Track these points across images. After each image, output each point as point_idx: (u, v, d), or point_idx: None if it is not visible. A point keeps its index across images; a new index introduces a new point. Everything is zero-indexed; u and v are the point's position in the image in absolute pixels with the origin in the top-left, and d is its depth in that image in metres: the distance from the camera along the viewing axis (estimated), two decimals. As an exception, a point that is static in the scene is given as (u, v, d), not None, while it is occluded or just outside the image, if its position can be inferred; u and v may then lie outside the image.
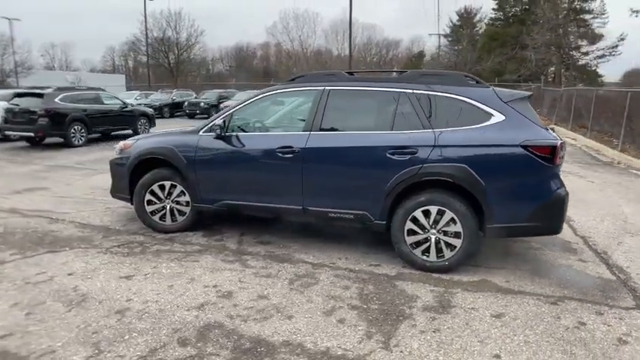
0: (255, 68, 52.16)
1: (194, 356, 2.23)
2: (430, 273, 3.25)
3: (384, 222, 3.33)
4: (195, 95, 22.38)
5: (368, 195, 3.34)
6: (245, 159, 3.69)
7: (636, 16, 17.05)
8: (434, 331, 2.48)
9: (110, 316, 2.60)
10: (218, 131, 3.72)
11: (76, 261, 3.42)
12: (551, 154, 2.96)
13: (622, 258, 3.57)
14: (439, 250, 3.22)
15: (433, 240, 3.22)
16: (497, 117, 3.09)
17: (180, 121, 18.52)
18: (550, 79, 30.05)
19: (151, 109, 12.83)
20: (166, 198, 4.06)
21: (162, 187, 4.04)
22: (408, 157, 3.18)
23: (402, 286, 3.05)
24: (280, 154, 3.52)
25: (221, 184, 3.80)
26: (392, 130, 3.30)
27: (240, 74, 45.47)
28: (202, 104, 19.59)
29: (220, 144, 3.75)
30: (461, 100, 3.20)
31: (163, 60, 44.93)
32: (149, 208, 4.08)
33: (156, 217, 4.10)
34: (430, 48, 50.73)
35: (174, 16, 44.48)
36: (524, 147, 2.98)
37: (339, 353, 2.27)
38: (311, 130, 3.50)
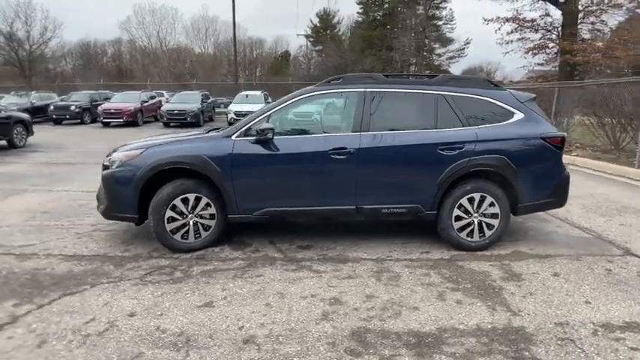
0: (106, 67, 46.00)
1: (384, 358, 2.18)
2: (475, 252, 3.68)
3: (435, 212, 3.64)
4: (59, 98, 18.70)
5: (421, 188, 3.60)
6: (293, 162, 3.55)
7: (487, 24, 20.98)
8: (531, 294, 2.91)
9: (245, 349, 2.29)
10: (257, 135, 3.47)
11: (118, 299, 2.81)
12: (561, 143, 3.71)
13: (585, 223, 4.62)
14: (481, 231, 3.69)
15: (476, 223, 3.67)
16: (518, 115, 3.70)
17: (49, 129, 15.50)
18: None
19: (27, 115, 10.35)
20: (190, 212, 3.58)
21: (184, 201, 3.54)
22: (457, 151, 3.55)
23: (466, 266, 3.41)
24: (334, 156, 3.50)
25: (263, 191, 3.57)
26: (439, 128, 3.62)
27: (90, 73, 39.63)
28: (74, 108, 16.55)
29: (262, 148, 3.51)
30: (488, 100, 3.72)
31: (10, 57, 36.06)
32: (170, 227, 3.54)
33: (177, 236, 3.59)
34: (294, 48, 52.74)
35: (23, 6, 35.97)
36: (543, 138, 3.65)
37: (489, 327, 2.50)
38: (361, 131, 3.57)
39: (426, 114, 3.70)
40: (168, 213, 3.53)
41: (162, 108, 17.14)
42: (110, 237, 4.02)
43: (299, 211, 3.65)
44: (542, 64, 22.63)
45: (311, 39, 47.90)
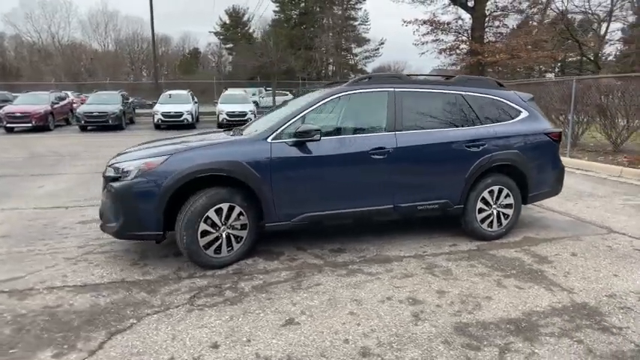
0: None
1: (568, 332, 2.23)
2: (494, 240, 3.96)
3: (462, 206, 3.83)
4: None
5: (451, 184, 3.77)
6: (333, 164, 3.45)
7: (406, 25, 22.36)
8: (568, 273, 3.28)
9: None
10: (299, 137, 3.29)
11: (183, 330, 2.48)
12: (559, 137, 4.17)
13: (559, 208, 5.22)
14: (498, 221, 3.99)
15: (495, 214, 3.96)
16: (524, 113, 4.08)
17: None
18: (330, 76, 35.60)
19: None
20: (223, 224, 3.26)
21: (218, 212, 3.22)
22: (480, 148, 3.79)
23: (497, 254, 3.68)
24: (373, 156, 3.49)
25: (303, 196, 3.41)
26: (461, 126, 3.81)
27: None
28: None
29: (300, 151, 3.34)
30: (500, 100, 4.04)
31: None
32: (203, 241, 3.19)
33: (210, 251, 3.25)
34: (202, 45, 50.66)
35: None
36: (546, 134, 4.08)
37: (561, 306, 2.76)
38: (395, 130, 3.60)
39: (449, 113, 3.87)
40: (202, 226, 3.17)
41: (78, 110, 15.11)
42: (113, 259, 3.48)
43: (338, 214, 3.55)
44: (454, 64, 25.11)
45: (221, 36, 46.51)
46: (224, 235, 3.29)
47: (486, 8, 21.55)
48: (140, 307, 2.69)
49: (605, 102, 8.12)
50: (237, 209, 3.29)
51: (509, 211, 4.02)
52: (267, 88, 29.02)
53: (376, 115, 3.70)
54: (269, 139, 3.34)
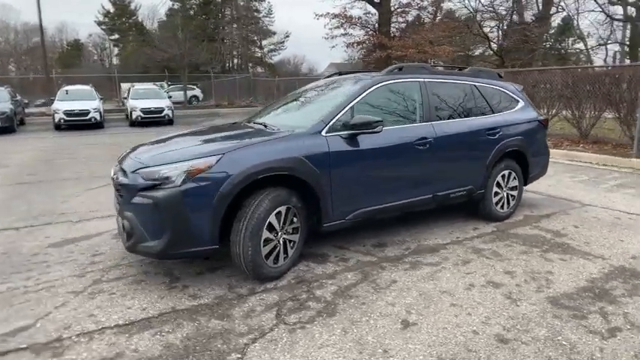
0: None
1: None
2: (504, 221, 4.32)
3: (483, 190, 4.09)
4: None
5: (476, 170, 4.02)
6: (385, 156, 3.41)
7: (318, 19, 22.55)
8: (588, 243, 3.76)
9: (509, 348, 2.21)
10: (350, 130, 3.16)
11: (308, 357, 2.21)
12: (547, 124, 4.67)
13: (531, 187, 5.86)
14: (508, 202, 4.35)
15: (505, 196, 4.32)
16: (521, 103, 4.52)
17: None
18: (236, 69, 34.36)
19: None
20: (281, 229, 2.99)
21: (277, 216, 2.94)
22: (497, 136, 4.09)
23: (518, 233, 4.04)
24: (418, 147, 3.52)
25: (358, 190, 3.31)
26: (479, 115, 4.05)
27: None
28: None
29: (354, 143, 3.22)
30: (504, 90, 4.40)
31: None
32: (265, 251, 2.89)
33: (270, 261, 2.95)
34: (82, 37, 45.26)
35: None
36: (539, 121, 4.54)
37: (608, 271, 3.16)
38: (430, 120, 3.68)
39: (468, 102, 4.09)
40: (265, 234, 2.84)
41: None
42: (137, 285, 2.95)
43: (388, 207, 3.51)
44: (364, 58, 26.30)
45: (104, 26, 42.00)
46: (281, 242, 3.00)
47: (391, 4, 23.05)
48: (230, 338, 2.32)
49: (532, 92, 9.37)
50: (292, 211, 3.04)
51: (515, 193, 4.42)
52: (170, 83, 26.95)
53: (412, 105, 3.73)
54: (323, 133, 3.13)
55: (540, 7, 24.96)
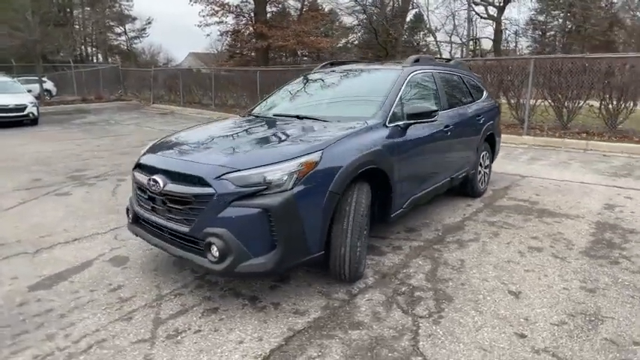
0: None
1: None
2: (482, 196, 5.04)
3: (474, 171, 4.70)
4: None
5: (472, 153, 4.58)
6: (427, 143, 3.66)
7: (192, 5, 20.99)
8: (560, 207, 4.62)
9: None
10: (406, 120, 3.33)
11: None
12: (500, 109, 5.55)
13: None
14: (485, 179, 5.07)
15: (482, 174, 5.02)
16: (485, 92, 5.25)
17: None
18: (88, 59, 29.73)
19: None
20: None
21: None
22: (482, 120, 4.72)
23: (503, 204, 4.77)
24: (444, 133, 3.87)
25: (412, 178, 3.51)
26: (468, 103, 4.61)
27: None
28: None
29: (408, 132, 3.38)
30: (476, 81, 5.05)
31: None
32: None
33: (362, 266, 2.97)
34: None
35: None
36: (497, 106, 5.37)
37: (633, 227, 3.98)
38: (446, 108, 4.09)
39: (462, 91, 4.61)
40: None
41: None
42: (213, 315, 2.60)
43: (426, 193, 3.77)
44: (229, 48, 25.71)
45: None
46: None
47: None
48: (393, 346, 2.28)
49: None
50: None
51: (487, 171, 5.16)
52: (14, 75, 21.93)
53: (433, 94, 4.03)
54: (387, 123, 3.19)
55: (400, 3, 28.26)
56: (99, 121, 13.75)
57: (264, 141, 2.86)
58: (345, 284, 2.88)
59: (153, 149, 3.08)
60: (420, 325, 2.42)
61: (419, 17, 36.09)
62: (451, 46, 32.15)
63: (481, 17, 26.03)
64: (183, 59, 45.40)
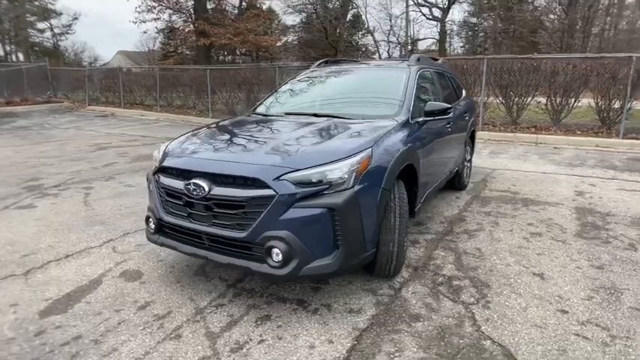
0: None
1: None
2: (467, 188, 5.41)
3: (462, 165, 5.04)
4: None
5: (463, 147, 4.90)
6: (436, 139, 3.83)
7: (128, 0, 19.62)
8: (539, 195, 5.11)
9: None
10: (424, 116, 3.51)
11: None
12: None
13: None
14: (468, 172, 5.46)
15: (467, 167, 5.39)
16: (464, 91, 5.62)
17: None
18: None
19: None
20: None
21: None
22: (467, 117, 5.08)
23: (488, 196, 5.17)
24: (447, 129, 4.14)
25: (428, 173, 3.66)
26: (456, 100, 4.94)
27: None
28: None
29: (424, 128, 3.53)
30: (457, 81, 5.41)
31: None
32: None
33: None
34: None
35: None
36: (474, 103, 5.79)
37: (578, 207, 4.48)
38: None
39: (450, 89, 4.89)
40: (405, 227, 2.96)
41: None
42: (268, 323, 2.60)
43: (435, 187, 3.96)
44: (176, 46, 24.66)
45: None
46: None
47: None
48: (480, 347, 2.42)
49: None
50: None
51: (469, 165, 5.55)
52: None
53: (434, 91, 4.26)
54: (411, 120, 3.32)
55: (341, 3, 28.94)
56: (32, 126, 12.56)
57: (307, 139, 2.83)
58: (384, 280, 2.98)
59: (177, 151, 2.93)
60: (474, 311, 2.60)
61: (357, 17, 37.24)
62: (389, 46, 33.61)
63: (427, 18, 27.45)
64: (111, 58, 42.68)
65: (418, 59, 4.22)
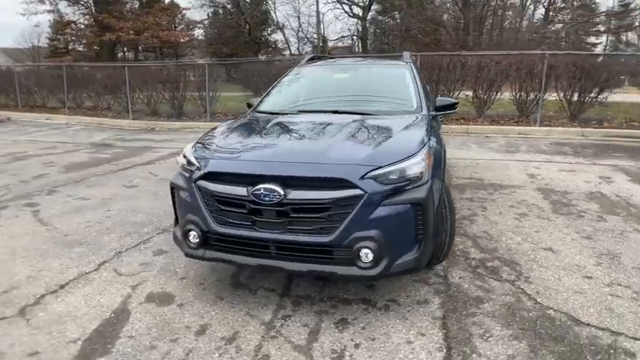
0: None
1: None
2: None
3: (439, 157, 5.45)
4: None
5: (440, 141, 5.28)
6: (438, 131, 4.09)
7: None
8: (501, 180, 5.73)
9: None
10: (435, 111, 3.76)
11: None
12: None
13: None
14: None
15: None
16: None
17: None
18: None
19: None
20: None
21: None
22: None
23: (460, 183, 5.63)
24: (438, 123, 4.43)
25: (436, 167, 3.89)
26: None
27: None
28: None
29: (434, 121, 3.80)
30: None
31: None
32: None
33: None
34: None
35: None
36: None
37: (538, 187, 5.16)
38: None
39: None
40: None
41: None
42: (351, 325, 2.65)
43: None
44: (66, 41, 22.06)
45: None
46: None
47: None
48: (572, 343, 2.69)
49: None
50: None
51: (439, 156, 6.00)
52: None
53: (422, 86, 4.50)
54: (429, 114, 3.51)
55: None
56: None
57: (366, 137, 2.87)
58: (425, 270, 3.15)
59: (227, 155, 2.75)
60: (522, 287, 2.90)
61: (265, 13, 37.13)
62: (299, 43, 34.09)
63: (349, 16, 28.32)
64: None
65: (408, 57, 4.50)
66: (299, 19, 33.88)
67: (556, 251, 3.46)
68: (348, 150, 2.63)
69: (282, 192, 2.39)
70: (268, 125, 3.31)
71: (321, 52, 28.20)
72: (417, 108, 3.51)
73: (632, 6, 21.30)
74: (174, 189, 2.94)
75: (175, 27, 32.08)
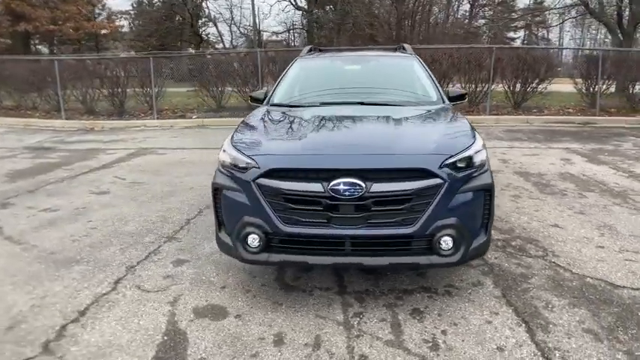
0: None
1: None
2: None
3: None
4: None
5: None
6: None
7: None
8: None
9: None
10: (450, 101, 3.94)
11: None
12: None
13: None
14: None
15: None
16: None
17: None
18: None
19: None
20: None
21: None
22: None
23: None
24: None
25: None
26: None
27: None
28: None
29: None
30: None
31: None
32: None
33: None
34: None
35: None
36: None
37: (521, 172, 5.68)
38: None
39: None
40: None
41: None
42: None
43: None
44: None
45: None
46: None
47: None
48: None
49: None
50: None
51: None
52: None
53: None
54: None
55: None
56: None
57: (418, 126, 3.01)
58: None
59: (292, 150, 2.68)
60: (553, 260, 3.23)
61: (197, 6, 35.54)
62: (232, 36, 33.23)
63: (296, 8, 27.95)
64: None
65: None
66: (231, 12, 32.99)
67: (562, 227, 3.86)
68: (417, 140, 2.71)
69: (363, 185, 2.37)
70: (308, 118, 3.23)
71: (258, 45, 27.76)
72: (437, 99, 3.68)
73: (546, 4, 23.88)
74: (217, 190, 2.79)
75: (95, 17, 29.60)
